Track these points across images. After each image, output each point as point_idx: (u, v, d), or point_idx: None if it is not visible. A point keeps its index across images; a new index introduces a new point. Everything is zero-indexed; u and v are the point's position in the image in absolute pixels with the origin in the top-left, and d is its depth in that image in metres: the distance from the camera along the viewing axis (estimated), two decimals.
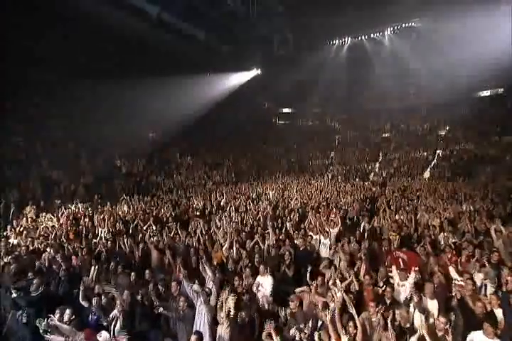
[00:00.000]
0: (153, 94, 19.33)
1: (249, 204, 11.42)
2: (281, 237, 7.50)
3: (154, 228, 8.55)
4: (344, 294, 4.60)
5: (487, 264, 5.57)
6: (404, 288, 5.14)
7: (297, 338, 4.08)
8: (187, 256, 6.50)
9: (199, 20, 20.92)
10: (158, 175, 17.94)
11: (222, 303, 4.32)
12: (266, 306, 5.20)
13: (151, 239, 7.41)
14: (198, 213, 10.35)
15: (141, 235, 7.98)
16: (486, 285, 5.19)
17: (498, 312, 4.35)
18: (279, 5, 22.17)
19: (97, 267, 6.01)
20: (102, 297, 5.11)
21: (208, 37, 23.01)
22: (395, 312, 4.33)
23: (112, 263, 6.23)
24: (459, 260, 5.99)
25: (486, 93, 24.82)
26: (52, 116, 17.26)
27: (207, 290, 4.92)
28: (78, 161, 16.05)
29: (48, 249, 7.14)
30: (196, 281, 5.06)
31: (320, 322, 4.38)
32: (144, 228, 8.70)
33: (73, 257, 6.53)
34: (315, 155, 24.94)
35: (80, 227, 9.02)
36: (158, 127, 21.71)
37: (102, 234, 8.35)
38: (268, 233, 7.54)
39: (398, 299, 5.06)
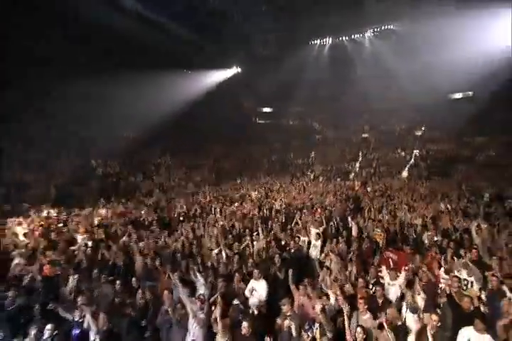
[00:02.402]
0: (128, 90, 18.69)
1: (234, 205, 11.39)
2: (268, 239, 7.51)
3: (134, 232, 8.26)
4: (340, 296, 4.71)
5: (469, 263, 5.86)
6: (394, 288, 5.32)
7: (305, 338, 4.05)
8: (175, 262, 6.37)
9: (180, 17, 20.56)
10: (136, 176, 17.43)
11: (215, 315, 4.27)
12: (259, 311, 5.17)
13: (136, 244, 7.17)
14: (182, 217, 10.15)
15: (122, 240, 7.72)
16: (472, 282, 5.45)
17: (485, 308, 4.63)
18: (262, 4, 22.22)
19: (76, 276, 5.75)
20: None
21: (188, 34, 22.65)
22: (387, 311, 4.46)
23: (94, 271, 5.98)
24: (443, 258, 6.27)
25: (458, 95, 26.23)
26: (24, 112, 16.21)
27: (201, 297, 4.84)
28: (51, 161, 15.25)
29: (17, 259, 6.68)
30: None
31: (317, 324, 4.44)
32: (127, 233, 8.38)
33: (45, 267, 6.09)
34: (296, 155, 25.21)
35: (54, 233, 8.55)
36: (134, 125, 21.10)
37: (81, 241, 7.97)
38: (257, 235, 7.54)
39: (389, 298, 5.22)
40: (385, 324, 4.15)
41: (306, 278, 5.79)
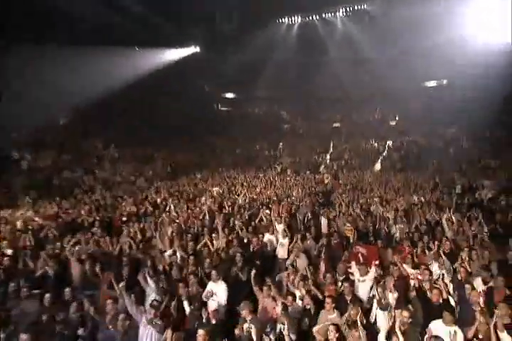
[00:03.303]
0: (66, 66, 17.41)
1: (191, 202, 11.30)
2: (230, 237, 7.57)
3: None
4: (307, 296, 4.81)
5: (442, 255, 6.28)
6: (364, 284, 5.55)
7: None
8: (119, 267, 6.12)
9: None
10: (74, 170, 16.50)
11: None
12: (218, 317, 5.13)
13: (72, 249, 6.77)
14: (127, 217, 9.74)
15: (53, 246, 7.24)
16: (443, 275, 5.85)
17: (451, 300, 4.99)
18: None
19: None
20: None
21: (143, 10, 21.64)
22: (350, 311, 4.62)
23: (12, 285, 5.52)
24: (414, 251, 6.69)
25: (432, 83, 27.87)
26: None
27: (155, 303, 4.69)
28: None
29: None
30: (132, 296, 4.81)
31: (280, 326, 4.49)
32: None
33: None
34: (262, 147, 25.39)
35: None
36: (72, 109, 19.86)
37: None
38: (217, 233, 7.55)
39: (358, 295, 5.44)
40: (358, 321, 4.32)
41: (272, 278, 5.95)
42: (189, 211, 9.97)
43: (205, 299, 5.35)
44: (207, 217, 9.14)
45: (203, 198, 11.81)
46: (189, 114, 27.49)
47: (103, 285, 5.69)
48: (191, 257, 6.30)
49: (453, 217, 8.30)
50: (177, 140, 23.94)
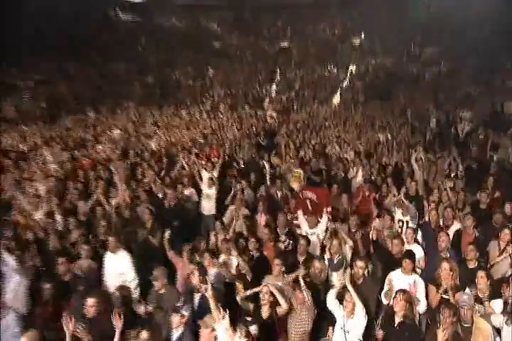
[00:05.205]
0: None
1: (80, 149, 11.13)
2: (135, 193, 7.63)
3: None
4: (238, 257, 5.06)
5: (404, 200, 6.71)
6: (315, 237, 5.80)
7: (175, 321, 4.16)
8: None
9: None
10: None
11: None
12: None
13: None
14: None
15: None
16: (407, 222, 6.41)
17: (416, 249, 5.42)
18: None
19: None
20: None
21: None
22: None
23: None
24: (377, 196, 7.17)
25: None
26: None
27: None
28: None
29: None
30: None
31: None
32: None
33: None
34: (185, 74, 24.51)
35: None
36: None
37: None
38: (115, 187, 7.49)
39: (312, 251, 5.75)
40: (301, 281, 4.53)
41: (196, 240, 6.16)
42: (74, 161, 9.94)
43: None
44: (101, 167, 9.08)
45: (100, 146, 11.65)
46: (75, 25, 24.81)
47: None
48: (72, 220, 6.33)
49: (422, 155, 8.91)
50: (56, 64, 22.12)
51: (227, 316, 3.92)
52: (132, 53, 25.81)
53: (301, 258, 5.49)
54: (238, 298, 4.71)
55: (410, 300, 4.26)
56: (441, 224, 6.17)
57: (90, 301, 4.31)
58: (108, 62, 24.49)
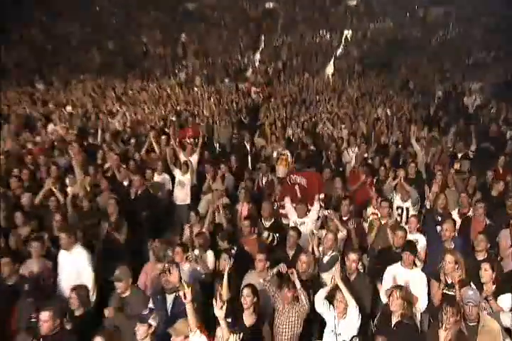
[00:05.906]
0: None
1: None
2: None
3: None
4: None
5: (405, 184, 6.77)
6: (305, 227, 5.86)
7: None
8: None
9: None
10: None
11: None
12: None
13: None
14: None
15: None
16: (407, 209, 6.50)
17: (420, 238, 5.53)
18: None
19: None
20: None
21: None
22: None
23: None
24: (374, 180, 7.25)
25: None
26: None
27: None
28: None
29: None
30: None
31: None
32: None
33: None
34: (153, 40, 24.18)
35: None
36: None
37: None
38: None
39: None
40: (295, 280, 4.49)
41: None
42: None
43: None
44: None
45: (50, 126, 11.55)
46: None
47: None
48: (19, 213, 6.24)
49: (424, 133, 9.00)
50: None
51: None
52: (87, 12, 25.34)
53: (290, 253, 5.45)
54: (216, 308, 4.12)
55: (408, 298, 4.29)
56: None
57: (44, 315, 3.99)
58: (58, 23, 24.07)
